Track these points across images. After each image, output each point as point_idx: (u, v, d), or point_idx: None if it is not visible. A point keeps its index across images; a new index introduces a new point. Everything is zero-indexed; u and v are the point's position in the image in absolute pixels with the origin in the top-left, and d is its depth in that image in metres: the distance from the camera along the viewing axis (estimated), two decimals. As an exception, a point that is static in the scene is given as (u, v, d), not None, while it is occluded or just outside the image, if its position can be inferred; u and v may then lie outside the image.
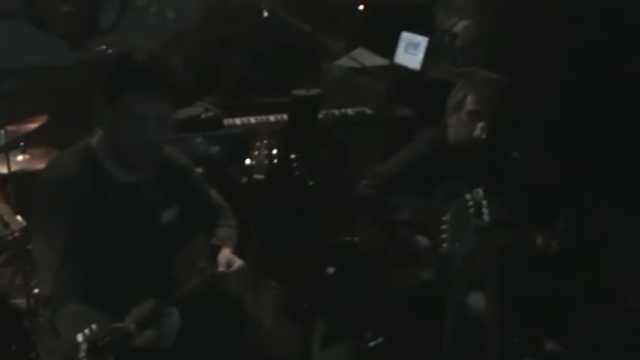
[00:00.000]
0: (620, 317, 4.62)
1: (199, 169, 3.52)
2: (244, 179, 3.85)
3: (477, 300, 3.78)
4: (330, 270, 3.71)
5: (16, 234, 4.12)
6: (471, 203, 3.43)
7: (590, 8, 6.25)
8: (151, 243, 2.97)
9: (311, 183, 3.81)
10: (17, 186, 4.46)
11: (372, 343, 4.17)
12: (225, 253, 3.04)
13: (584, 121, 5.55)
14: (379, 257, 3.96)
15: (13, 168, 4.45)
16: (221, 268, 2.95)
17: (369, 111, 5.38)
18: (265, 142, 3.85)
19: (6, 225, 4.14)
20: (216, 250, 3.08)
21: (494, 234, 3.53)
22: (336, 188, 4.39)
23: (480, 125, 3.82)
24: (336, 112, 5.32)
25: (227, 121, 5.22)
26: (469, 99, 3.93)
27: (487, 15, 6.78)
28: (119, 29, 6.05)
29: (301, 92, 4.93)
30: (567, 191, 5.03)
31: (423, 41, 5.91)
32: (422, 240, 3.76)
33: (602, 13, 6.32)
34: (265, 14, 5.27)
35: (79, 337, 2.23)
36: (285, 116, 5.21)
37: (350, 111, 5.38)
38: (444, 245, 3.50)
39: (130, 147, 2.77)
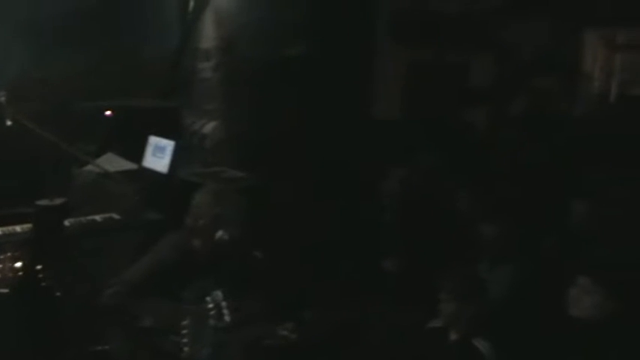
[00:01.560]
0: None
1: None
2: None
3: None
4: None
5: None
6: (211, 305, 3.60)
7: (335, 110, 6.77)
8: None
9: (58, 293, 3.81)
10: None
11: None
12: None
13: (327, 220, 5.94)
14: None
15: None
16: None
17: (116, 217, 5.43)
18: (9, 254, 3.82)
19: None
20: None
21: (237, 333, 3.70)
22: (85, 297, 4.40)
23: (220, 226, 4.00)
24: (84, 219, 5.33)
25: (-29, 234, 5.06)
26: (209, 200, 4.11)
27: (235, 116, 7.11)
28: None
29: (45, 202, 4.90)
30: (313, 284, 5.35)
31: (169, 145, 6.11)
32: (167, 344, 3.85)
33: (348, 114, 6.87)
34: (9, 123, 5.21)
35: None
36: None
37: (98, 218, 5.40)
38: (186, 349, 3.62)
39: None
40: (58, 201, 4.90)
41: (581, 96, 12.42)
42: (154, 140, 6.27)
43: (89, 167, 5.85)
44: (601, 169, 6.52)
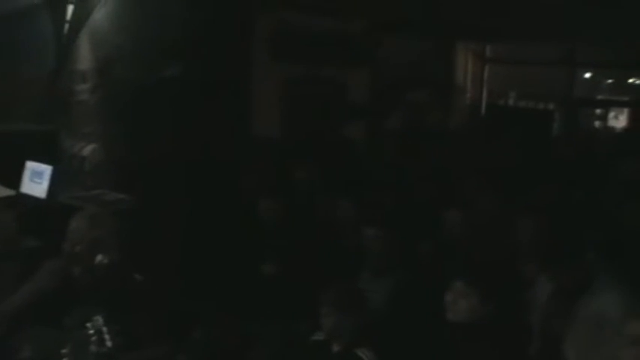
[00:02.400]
0: None
1: None
2: None
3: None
4: None
5: None
6: (92, 331, 3.53)
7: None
8: None
9: None
10: None
11: None
12: None
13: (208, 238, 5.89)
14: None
15: None
16: None
17: (-5, 245, 5.25)
18: None
19: None
20: None
21: (122, 358, 3.63)
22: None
23: (98, 251, 3.93)
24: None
25: None
26: (85, 224, 4.01)
27: (113, 138, 6.99)
28: None
29: None
30: (197, 303, 5.31)
31: (47, 169, 5.97)
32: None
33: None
34: None
35: None
36: None
37: (-24, 248, 5.20)
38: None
39: None
40: None
41: (454, 107, 12.89)
42: (31, 165, 6.11)
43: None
44: (473, 177, 6.72)
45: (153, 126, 6.75)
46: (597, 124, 15.67)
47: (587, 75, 16.16)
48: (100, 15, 7.06)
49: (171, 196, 6.38)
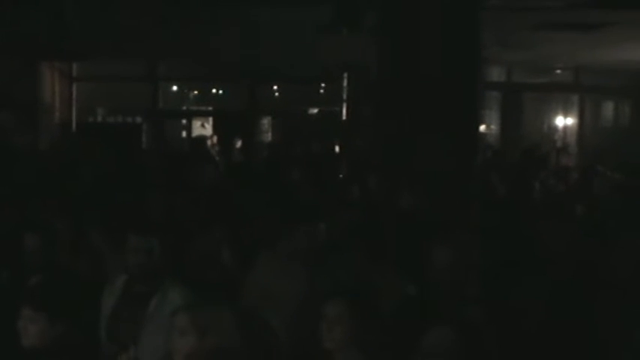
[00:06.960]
0: None
1: None
2: None
3: None
4: None
5: None
6: None
7: None
8: None
9: None
10: None
11: None
12: None
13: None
14: None
15: None
16: None
17: None
18: None
19: None
20: None
21: None
22: None
23: None
24: None
25: None
26: None
27: None
28: None
29: None
30: None
31: None
32: None
33: None
34: None
35: None
36: None
37: None
38: None
39: None
40: None
41: (43, 127, 12.56)
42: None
43: None
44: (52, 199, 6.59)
45: None
46: (184, 133, 16.21)
47: (174, 88, 16.73)
48: None
49: None
